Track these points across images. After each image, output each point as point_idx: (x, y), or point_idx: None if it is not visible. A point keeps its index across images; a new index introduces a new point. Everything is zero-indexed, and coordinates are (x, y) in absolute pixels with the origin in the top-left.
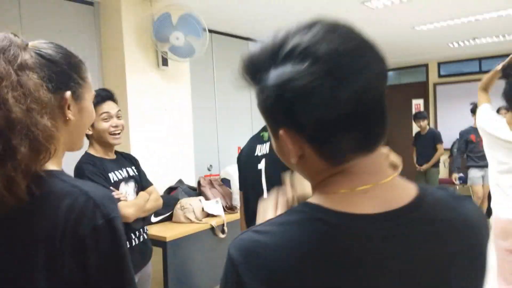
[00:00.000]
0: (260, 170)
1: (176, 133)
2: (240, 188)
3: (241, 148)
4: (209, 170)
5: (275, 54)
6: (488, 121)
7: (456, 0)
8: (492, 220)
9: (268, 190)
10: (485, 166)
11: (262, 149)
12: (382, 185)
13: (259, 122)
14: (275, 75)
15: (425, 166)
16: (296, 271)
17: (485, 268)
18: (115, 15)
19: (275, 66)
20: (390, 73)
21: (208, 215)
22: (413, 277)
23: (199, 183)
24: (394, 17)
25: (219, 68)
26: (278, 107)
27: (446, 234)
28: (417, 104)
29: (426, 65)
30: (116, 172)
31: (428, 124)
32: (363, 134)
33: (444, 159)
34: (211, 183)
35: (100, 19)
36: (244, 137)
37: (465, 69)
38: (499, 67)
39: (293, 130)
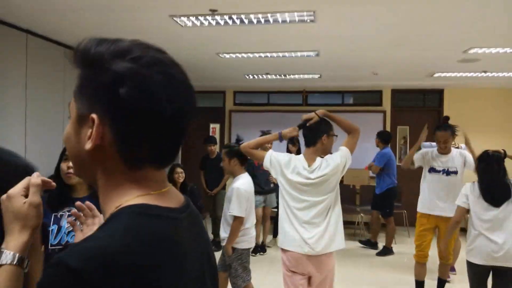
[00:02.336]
0: None
1: None
2: None
3: None
4: None
5: (122, 54)
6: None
7: (260, 35)
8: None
9: None
10: (265, 192)
11: None
12: (168, 190)
13: None
14: (122, 66)
15: (215, 190)
16: (152, 260)
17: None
18: None
19: (121, 61)
20: None
21: None
22: (197, 250)
23: None
24: (200, 39)
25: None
26: (109, 93)
27: (201, 226)
28: (214, 127)
29: (224, 92)
30: None
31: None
32: (165, 151)
33: None
34: None
35: None
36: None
37: (256, 100)
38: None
39: (108, 119)
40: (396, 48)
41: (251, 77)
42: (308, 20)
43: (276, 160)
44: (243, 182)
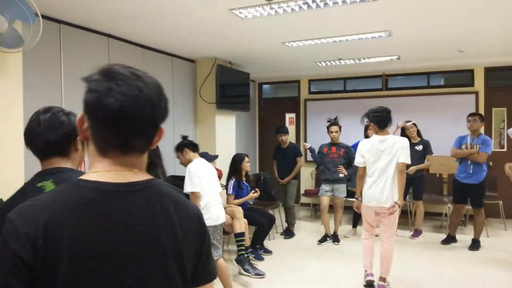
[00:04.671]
0: None
1: (2, 136)
2: None
3: None
4: None
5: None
6: None
7: (323, 20)
8: None
9: None
10: (333, 181)
11: None
12: (129, 172)
13: None
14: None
15: (286, 179)
16: (67, 219)
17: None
18: None
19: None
20: (267, 87)
21: None
22: (149, 225)
23: None
24: (264, 29)
25: (69, 64)
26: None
27: (155, 205)
28: (291, 117)
29: (298, 81)
30: None
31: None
32: (123, 143)
33: (311, 171)
34: None
35: None
36: None
37: (332, 87)
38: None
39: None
40: (481, 20)
41: (324, 64)
42: None
43: None
44: (193, 163)
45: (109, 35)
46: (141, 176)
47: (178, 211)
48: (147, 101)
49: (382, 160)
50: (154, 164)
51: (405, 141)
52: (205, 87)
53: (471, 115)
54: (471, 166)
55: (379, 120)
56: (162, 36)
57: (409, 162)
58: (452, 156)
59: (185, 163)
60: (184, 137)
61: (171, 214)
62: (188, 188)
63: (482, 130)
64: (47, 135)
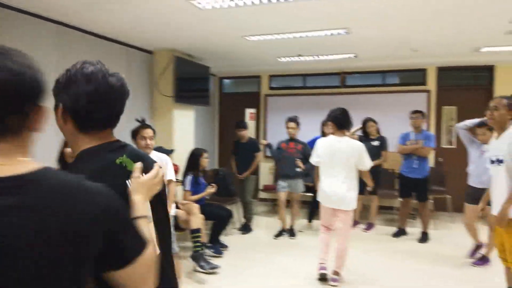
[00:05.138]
0: None
1: None
2: None
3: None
4: None
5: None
6: None
7: (283, 15)
8: None
9: None
10: (290, 177)
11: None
12: (19, 161)
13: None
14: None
15: (244, 174)
16: None
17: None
18: None
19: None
20: (227, 81)
21: None
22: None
23: None
24: (224, 22)
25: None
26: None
27: (39, 199)
28: (251, 112)
29: (259, 77)
30: None
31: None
32: None
33: (270, 166)
34: None
35: None
36: None
37: (292, 83)
38: None
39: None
40: (435, 21)
41: (284, 59)
42: None
43: None
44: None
45: (58, 23)
46: (12, 168)
47: (60, 207)
48: (7, 72)
49: (338, 161)
50: None
51: (361, 146)
52: (163, 79)
53: (413, 112)
54: (416, 161)
55: (339, 121)
56: (116, 25)
57: (369, 166)
58: (399, 152)
59: None
60: (142, 121)
61: (44, 212)
62: None
63: (429, 127)
64: (120, 103)
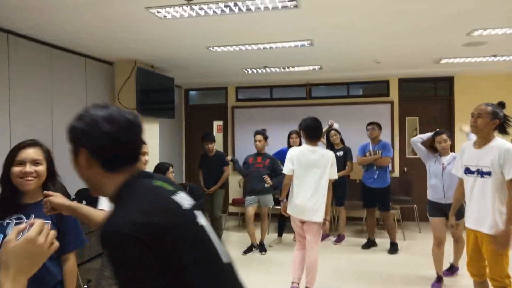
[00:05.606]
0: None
1: None
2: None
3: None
4: None
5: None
6: None
7: (247, 26)
8: None
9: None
10: (258, 192)
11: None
12: None
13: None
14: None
15: (212, 189)
16: None
17: None
18: None
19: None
20: (193, 93)
21: None
22: None
23: None
24: (187, 32)
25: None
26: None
27: None
28: (218, 125)
29: (226, 88)
30: None
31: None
32: None
33: (239, 179)
34: None
35: None
36: None
37: (259, 95)
38: None
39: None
40: (395, 33)
41: (250, 71)
42: (291, 6)
43: None
44: None
45: (9, 31)
46: None
47: None
48: None
49: (311, 172)
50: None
51: (333, 156)
52: (124, 91)
53: (369, 124)
54: (376, 172)
55: (311, 130)
56: (73, 34)
57: (336, 177)
58: (359, 163)
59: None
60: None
61: None
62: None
63: (394, 137)
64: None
